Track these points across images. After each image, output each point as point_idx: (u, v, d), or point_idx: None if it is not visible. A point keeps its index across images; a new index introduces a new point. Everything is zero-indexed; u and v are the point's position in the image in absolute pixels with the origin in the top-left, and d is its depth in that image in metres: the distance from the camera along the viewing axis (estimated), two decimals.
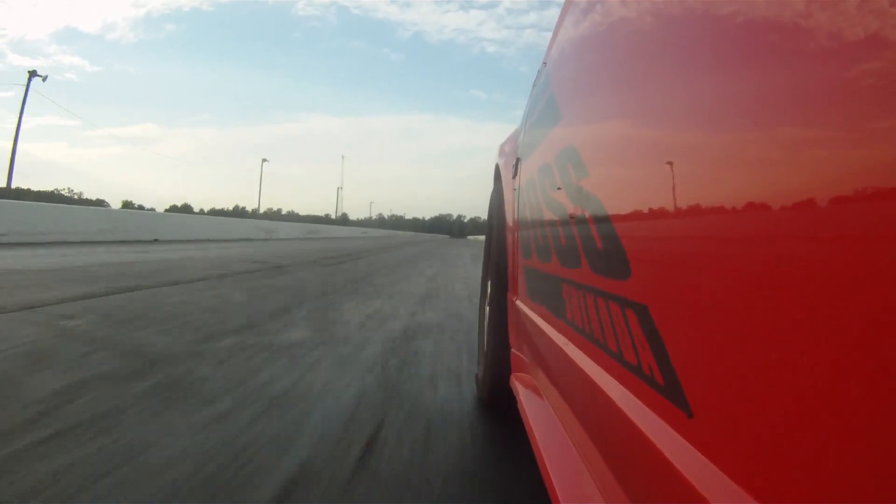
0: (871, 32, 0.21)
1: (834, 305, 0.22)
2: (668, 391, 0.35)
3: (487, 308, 1.39)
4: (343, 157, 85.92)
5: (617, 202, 0.48)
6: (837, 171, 0.22)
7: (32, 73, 25.43)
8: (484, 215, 1.71)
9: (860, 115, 0.21)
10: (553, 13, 0.92)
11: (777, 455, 0.25)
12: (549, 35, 0.99)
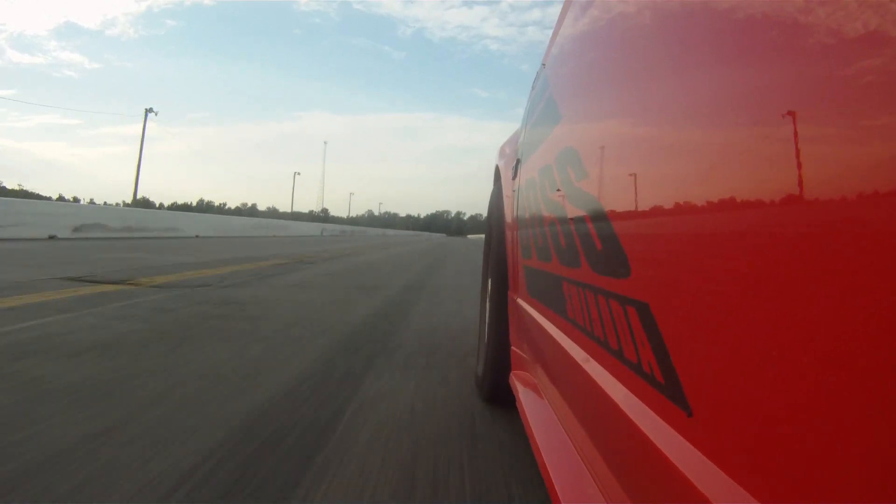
0: (872, 30, 0.21)
1: (835, 304, 0.22)
2: (668, 390, 0.36)
3: (488, 305, 1.40)
4: (325, 142, 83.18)
5: (617, 202, 0.48)
6: (839, 170, 0.22)
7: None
8: (485, 213, 1.72)
9: (861, 112, 0.21)
10: (556, 11, 0.92)
11: (777, 454, 0.25)
12: (551, 33, 0.99)
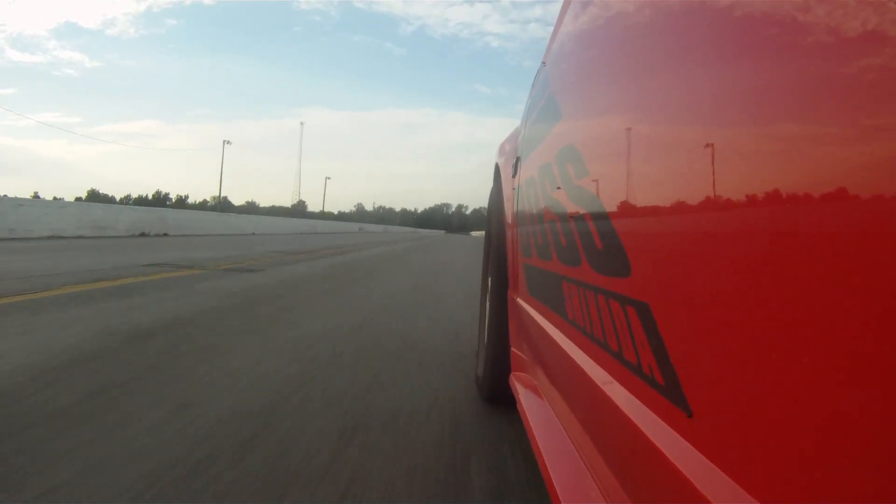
0: (871, 29, 0.21)
1: (835, 304, 0.22)
2: (667, 390, 0.36)
3: (487, 305, 1.40)
4: (302, 123, 74.34)
5: (617, 200, 0.48)
6: (839, 169, 0.22)
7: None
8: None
9: (860, 111, 0.21)
10: (558, 7, 0.92)
11: (776, 454, 0.25)
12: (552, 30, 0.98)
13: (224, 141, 38.03)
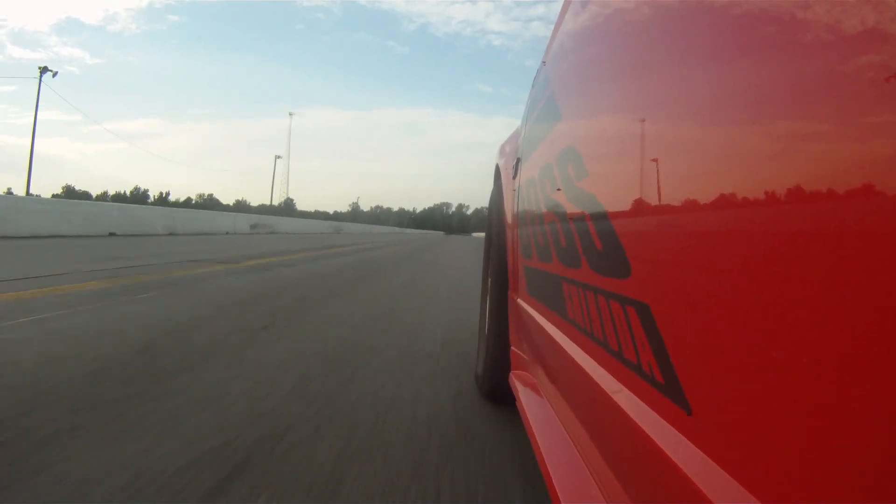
0: (871, 28, 0.21)
1: (834, 304, 0.22)
2: (667, 389, 0.36)
3: (488, 305, 1.40)
4: (291, 114, 70.15)
5: (617, 201, 0.48)
6: (838, 169, 0.22)
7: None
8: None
9: (860, 111, 0.21)
10: (559, 6, 0.92)
11: (776, 452, 0.25)
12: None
13: (42, 67, 23.39)
